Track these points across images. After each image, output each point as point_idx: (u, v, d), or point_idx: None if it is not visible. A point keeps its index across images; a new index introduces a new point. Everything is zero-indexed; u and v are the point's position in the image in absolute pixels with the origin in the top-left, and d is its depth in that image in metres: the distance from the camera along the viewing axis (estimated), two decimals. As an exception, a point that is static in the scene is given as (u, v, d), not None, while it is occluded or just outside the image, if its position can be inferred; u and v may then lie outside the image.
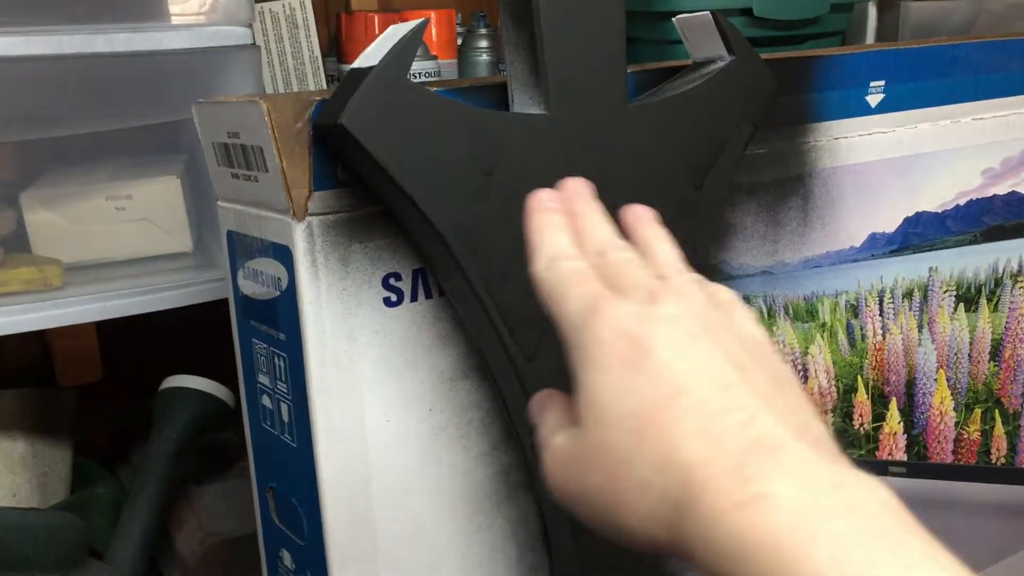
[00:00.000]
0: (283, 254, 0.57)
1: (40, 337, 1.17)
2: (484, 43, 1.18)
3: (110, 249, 1.02)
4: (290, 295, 0.57)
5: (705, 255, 0.66)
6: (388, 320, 0.59)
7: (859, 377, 0.83)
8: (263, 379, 0.62)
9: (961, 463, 0.90)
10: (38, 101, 0.93)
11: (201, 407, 0.93)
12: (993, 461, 0.92)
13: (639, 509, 0.37)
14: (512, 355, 0.57)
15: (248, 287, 0.62)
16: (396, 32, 0.53)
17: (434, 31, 1.12)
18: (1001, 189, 0.87)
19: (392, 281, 0.58)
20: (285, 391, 0.59)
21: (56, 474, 1.04)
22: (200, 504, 0.97)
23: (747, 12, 1.09)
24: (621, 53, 0.59)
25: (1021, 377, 0.93)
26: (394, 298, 0.59)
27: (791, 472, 0.34)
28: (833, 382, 0.82)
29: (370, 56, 0.53)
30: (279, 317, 0.59)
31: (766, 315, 0.76)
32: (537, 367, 0.57)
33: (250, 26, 0.88)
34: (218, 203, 0.64)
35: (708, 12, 0.63)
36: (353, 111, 0.50)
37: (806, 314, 0.78)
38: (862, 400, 0.83)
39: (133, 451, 1.03)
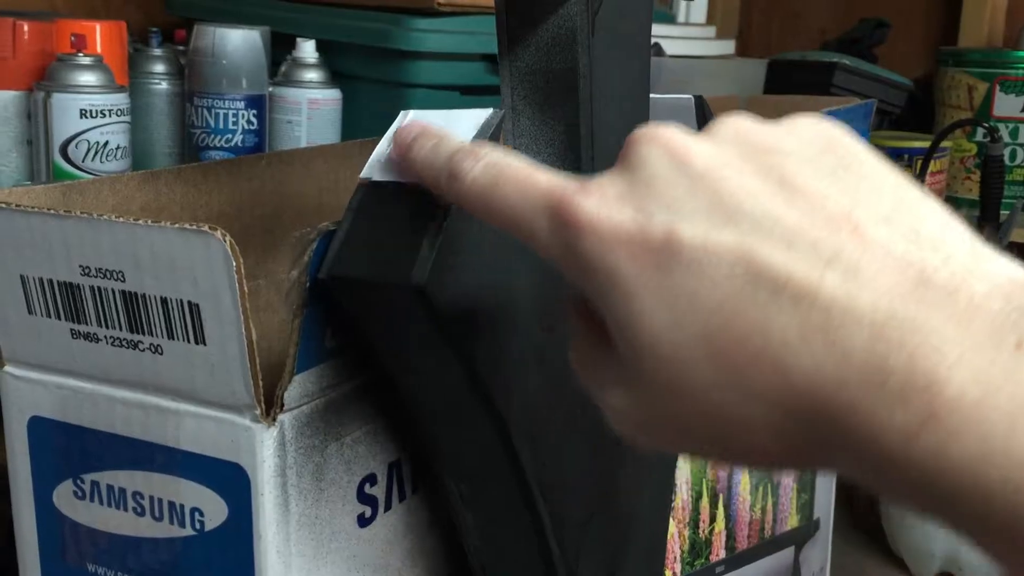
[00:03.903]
0: (222, 476, 0.34)
1: None
2: (161, 67, 0.92)
3: None
4: (222, 538, 0.34)
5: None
6: (361, 546, 0.38)
7: (704, 481, 0.76)
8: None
9: (751, 546, 0.88)
10: None
11: None
12: (767, 536, 0.91)
13: (751, 444, 0.26)
14: (557, 569, 0.40)
15: (93, 516, 0.37)
16: (446, 122, 0.34)
17: (100, 45, 0.84)
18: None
19: (367, 488, 0.38)
20: None
21: None
22: None
23: (491, 58, 0.98)
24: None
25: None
26: (368, 513, 0.38)
27: (952, 364, 0.23)
28: (690, 492, 0.74)
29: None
30: (186, 571, 0.35)
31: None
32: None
33: None
34: (6, 370, 0.38)
35: (691, 96, 0.51)
36: (433, 268, 0.30)
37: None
38: (705, 505, 0.77)
39: None
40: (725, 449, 0.27)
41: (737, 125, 0.28)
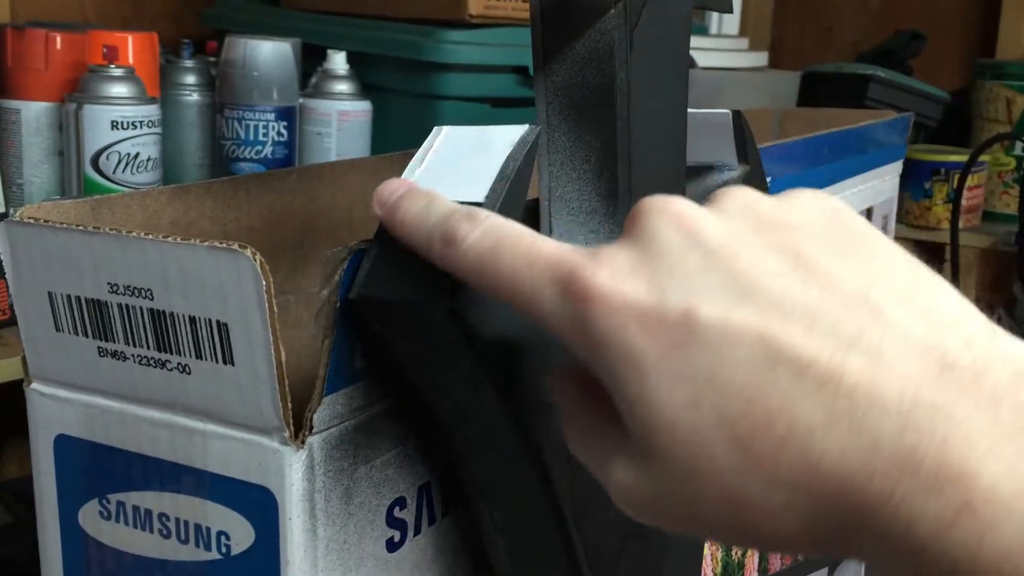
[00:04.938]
0: (249, 499, 0.33)
1: None
2: (192, 79, 0.92)
3: None
4: (248, 563, 0.34)
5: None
6: (390, 571, 0.37)
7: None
8: None
9: (784, 567, 0.86)
10: None
11: None
12: (799, 558, 0.90)
13: (773, 529, 0.26)
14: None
15: (119, 537, 0.37)
16: (480, 140, 0.33)
17: (132, 57, 0.85)
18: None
19: (397, 511, 0.37)
20: None
21: None
22: None
23: (522, 71, 0.97)
24: (683, 167, 0.44)
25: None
26: (397, 537, 0.38)
27: (984, 455, 0.23)
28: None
29: (440, 180, 0.32)
30: (215, 594, 0.35)
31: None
32: (614, 615, 0.40)
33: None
34: (33, 387, 0.38)
35: (729, 112, 0.50)
36: (467, 288, 0.29)
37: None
38: (738, 525, 0.75)
39: None
40: (743, 533, 0.26)
41: (742, 197, 0.28)
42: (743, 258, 0.26)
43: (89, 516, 0.37)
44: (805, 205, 0.27)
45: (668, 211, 0.27)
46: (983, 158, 1.39)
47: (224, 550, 0.34)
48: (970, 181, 1.36)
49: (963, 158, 1.35)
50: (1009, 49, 1.62)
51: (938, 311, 0.25)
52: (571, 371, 0.29)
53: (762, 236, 0.26)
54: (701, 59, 1.28)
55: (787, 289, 0.25)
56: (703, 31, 1.42)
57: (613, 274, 0.26)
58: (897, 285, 0.26)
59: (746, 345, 0.25)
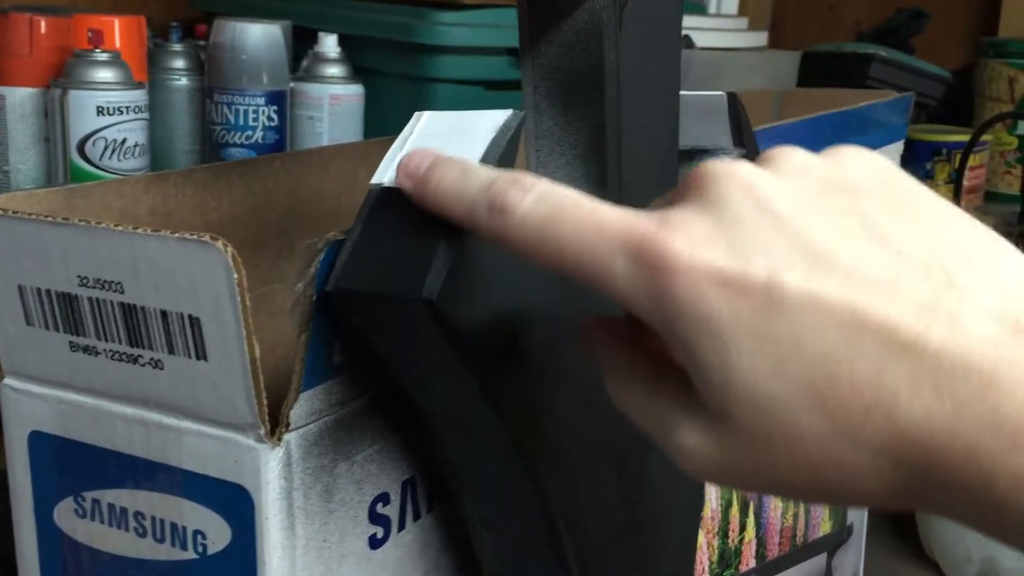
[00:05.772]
0: (225, 497, 0.32)
1: None
2: (181, 63, 0.91)
3: None
4: (225, 562, 0.33)
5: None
6: (373, 569, 0.36)
7: (734, 489, 0.73)
8: None
9: (782, 554, 0.85)
10: None
11: None
12: (799, 543, 0.89)
13: (853, 488, 0.26)
14: (578, 602, 0.38)
15: (94, 535, 0.36)
16: (462, 125, 0.32)
17: (118, 40, 0.83)
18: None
19: (380, 508, 0.36)
20: None
21: None
22: None
23: (516, 52, 0.96)
24: (675, 151, 0.43)
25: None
26: (380, 534, 0.37)
27: None
28: (719, 501, 0.72)
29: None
30: (192, 594, 0.34)
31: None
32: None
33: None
34: (5, 382, 0.37)
35: (724, 94, 0.49)
36: (447, 281, 0.28)
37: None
38: (735, 514, 0.74)
39: None
40: (819, 493, 0.27)
41: (798, 159, 0.28)
42: (816, 226, 0.26)
43: (64, 514, 0.36)
44: (857, 166, 0.28)
45: (736, 176, 0.26)
46: (985, 138, 1.37)
47: (200, 550, 0.33)
48: (972, 161, 1.34)
49: (965, 138, 1.33)
50: (1012, 27, 1.59)
51: (1002, 273, 0.26)
52: (611, 320, 0.29)
53: (827, 200, 0.27)
54: (699, 39, 1.26)
55: (864, 257, 0.26)
56: (701, 10, 1.41)
57: (690, 242, 0.26)
58: (962, 247, 0.26)
59: (833, 313, 0.25)
